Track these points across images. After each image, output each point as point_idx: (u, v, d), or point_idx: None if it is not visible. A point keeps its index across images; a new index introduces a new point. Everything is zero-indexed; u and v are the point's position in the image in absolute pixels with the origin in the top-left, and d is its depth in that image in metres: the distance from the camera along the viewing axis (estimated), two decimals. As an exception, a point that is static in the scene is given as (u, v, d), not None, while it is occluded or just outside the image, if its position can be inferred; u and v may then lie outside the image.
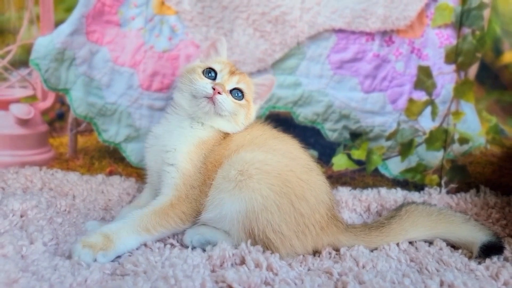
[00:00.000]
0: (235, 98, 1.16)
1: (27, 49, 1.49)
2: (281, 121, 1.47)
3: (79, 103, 1.51)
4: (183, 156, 1.09)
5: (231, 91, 1.16)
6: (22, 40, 1.50)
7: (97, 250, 0.93)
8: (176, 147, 1.11)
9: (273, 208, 1.00)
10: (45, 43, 1.47)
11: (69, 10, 1.47)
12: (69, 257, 0.94)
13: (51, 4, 1.49)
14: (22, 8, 1.50)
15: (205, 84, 1.12)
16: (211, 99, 1.11)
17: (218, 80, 1.16)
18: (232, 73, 1.17)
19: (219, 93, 1.10)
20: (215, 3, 1.48)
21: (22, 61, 1.51)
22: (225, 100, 1.12)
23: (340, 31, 1.50)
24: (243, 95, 1.17)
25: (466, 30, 1.50)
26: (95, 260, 0.92)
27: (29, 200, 1.17)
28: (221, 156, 1.10)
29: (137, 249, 1.02)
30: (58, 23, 1.48)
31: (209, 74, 1.17)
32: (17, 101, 1.52)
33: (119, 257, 0.98)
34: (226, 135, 1.17)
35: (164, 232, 1.05)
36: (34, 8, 1.49)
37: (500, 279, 0.97)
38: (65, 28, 1.47)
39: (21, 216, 1.13)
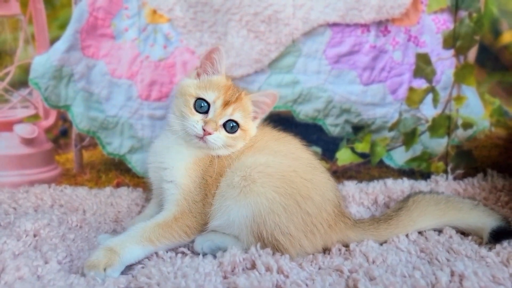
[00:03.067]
0: (229, 132, 1.10)
1: (25, 69, 1.50)
2: (282, 120, 1.46)
3: (80, 118, 1.52)
4: (181, 173, 1.09)
5: (225, 124, 1.10)
6: (19, 60, 1.51)
7: (101, 267, 0.93)
8: (174, 164, 1.11)
9: (279, 210, 1.00)
10: (42, 62, 1.48)
11: (63, 27, 1.48)
12: (84, 273, 0.95)
13: (45, 22, 1.49)
14: (17, 29, 1.50)
15: (195, 123, 1.07)
16: (202, 138, 1.08)
17: (210, 114, 1.09)
18: (226, 104, 1.09)
19: (209, 133, 1.06)
20: (207, 7, 1.48)
21: (21, 82, 1.52)
22: (217, 139, 1.08)
23: (335, 25, 1.48)
24: (238, 126, 1.11)
25: (463, 13, 1.47)
26: (106, 275, 0.93)
27: (40, 219, 1.18)
28: (221, 167, 1.10)
29: (149, 260, 1.04)
30: (53, 41, 1.49)
31: (201, 106, 1.09)
32: (20, 121, 1.54)
33: (132, 270, 1.00)
34: None
35: (168, 244, 1.05)
36: (28, 28, 1.50)
37: (511, 265, 0.97)
38: (61, 45, 1.47)
39: (34, 236, 1.14)
